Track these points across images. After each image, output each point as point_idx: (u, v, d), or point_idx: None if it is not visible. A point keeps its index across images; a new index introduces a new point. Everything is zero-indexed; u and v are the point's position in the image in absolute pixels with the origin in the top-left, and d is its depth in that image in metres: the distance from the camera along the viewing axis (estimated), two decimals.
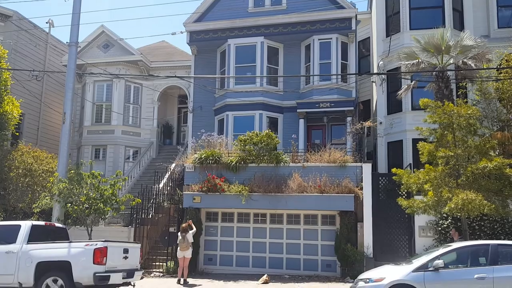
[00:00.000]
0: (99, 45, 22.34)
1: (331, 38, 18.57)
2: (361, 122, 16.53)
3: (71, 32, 13.28)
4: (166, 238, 14.81)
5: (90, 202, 13.05)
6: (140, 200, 14.86)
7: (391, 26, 18.18)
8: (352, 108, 18.06)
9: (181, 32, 16.28)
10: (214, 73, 20.05)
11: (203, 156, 15.32)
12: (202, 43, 20.08)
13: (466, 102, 12.16)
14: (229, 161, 15.06)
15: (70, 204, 13.02)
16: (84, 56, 21.15)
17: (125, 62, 21.85)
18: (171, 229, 15.09)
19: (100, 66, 21.09)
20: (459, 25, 17.66)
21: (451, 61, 13.96)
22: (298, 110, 18.64)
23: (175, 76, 15.60)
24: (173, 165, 18.38)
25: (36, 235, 10.17)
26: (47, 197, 14.01)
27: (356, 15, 18.62)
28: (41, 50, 22.54)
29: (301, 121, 18.63)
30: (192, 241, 13.04)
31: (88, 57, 21.57)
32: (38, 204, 13.96)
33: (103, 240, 9.86)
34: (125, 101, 22.02)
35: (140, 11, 60.22)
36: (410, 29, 17.57)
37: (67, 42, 13.67)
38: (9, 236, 10.04)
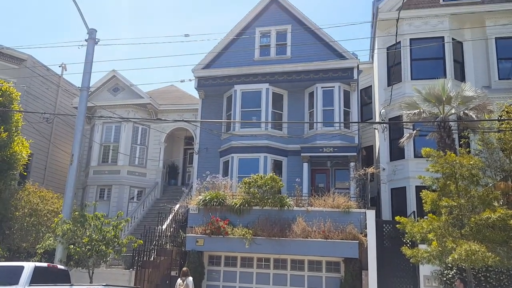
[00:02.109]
0: (109, 89, 23.00)
1: (333, 86, 19.14)
2: (364, 168, 16.69)
3: (83, 78, 13.78)
4: (167, 282, 14.63)
5: (93, 243, 13.06)
6: (142, 242, 14.81)
7: (392, 76, 18.72)
8: (355, 153, 18.30)
9: (190, 80, 17.00)
10: (220, 116, 20.51)
11: (207, 198, 15.39)
12: (210, 88, 20.67)
13: (469, 151, 12.33)
14: (233, 204, 15.10)
15: (73, 246, 13.03)
16: (94, 98, 21.72)
17: (134, 105, 22.41)
18: (173, 273, 14.93)
19: (110, 108, 21.65)
20: (460, 76, 18.14)
21: (453, 111, 14.25)
22: (302, 154, 18.89)
23: (183, 120, 16.03)
24: (177, 206, 18.41)
25: (38, 277, 10.19)
26: (50, 238, 14.03)
27: (358, 65, 19.29)
28: (52, 92, 23.19)
29: (305, 165, 18.83)
30: None
31: (98, 100, 22.14)
32: (42, 245, 13.97)
33: (104, 284, 9.84)
34: (132, 142, 22.40)
35: (151, 53, 61.99)
36: (411, 79, 18.05)
37: (78, 87, 14.17)
38: (12, 277, 10.07)
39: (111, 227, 13.43)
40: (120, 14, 72.07)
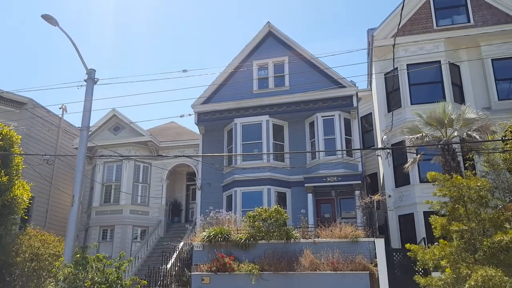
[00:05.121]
0: (110, 128, 23.06)
1: (334, 115, 19.18)
2: (369, 195, 16.45)
3: (83, 117, 13.72)
4: None
5: (96, 287, 12.65)
6: (146, 282, 14.38)
7: (392, 102, 18.74)
8: (360, 181, 18.08)
9: (189, 115, 17.09)
10: (221, 150, 20.44)
11: (211, 234, 15.07)
12: (210, 123, 20.72)
13: (475, 173, 12.09)
14: (238, 239, 14.78)
15: None
16: (95, 138, 21.75)
17: (135, 143, 22.40)
18: None
19: (111, 148, 21.61)
20: (460, 98, 18.16)
21: (455, 133, 14.15)
22: (305, 185, 18.68)
23: (184, 156, 15.93)
24: (181, 244, 18.05)
25: None
26: (51, 283, 13.61)
27: (357, 93, 19.36)
28: (53, 134, 23.23)
29: (310, 195, 18.58)
30: None
31: (99, 139, 22.16)
32: None
33: None
34: (134, 180, 22.23)
35: (149, 92, 62.79)
36: (411, 104, 18.07)
37: (79, 127, 14.10)
38: None
39: (113, 269, 13.06)
40: (118, 49, 73.56)
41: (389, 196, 17.75)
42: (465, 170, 13.22)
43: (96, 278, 12.76)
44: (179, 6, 73.02)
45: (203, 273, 14.37)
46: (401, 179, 17.78)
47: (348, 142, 19.14)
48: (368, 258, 13.59)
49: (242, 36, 70.91)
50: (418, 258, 10.59)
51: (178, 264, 17.11)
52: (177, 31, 76.35)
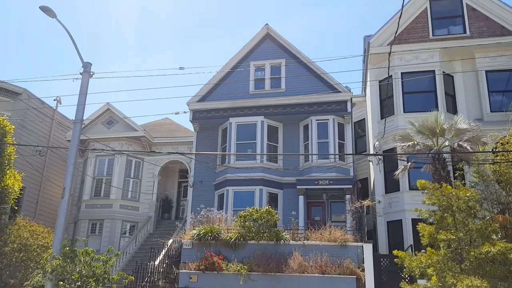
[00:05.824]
0: (103, 122, 22.99)
1: (328, 119, 19.31)
2: (360, 200, 16.59)
3: (77, 111, 13.66)
4: None
5: (83, 280, 12.66)
6: (133, 278, 14.39)
7: (385, 109, 18.91)
8: (351, 186, 18.23)
9: (184, 112, 17.06)
10: (215, 148, 20.49)
11: (201, 232, 15.11)
12: (205, 121, 20.73)
13: (464, 184, 12.25)
14: (228, 238, 14.83)
15: (62, 282, 12.62)
16: (88, 132, 21.67)
17: (128, 138, 22.34)
18: None
19: (103, 141, 21.56)
20: (452, 108, 18.36)
21: (447, 143, 14.30)
22: (297, 187, 18.78)
23: (177, 153, 15.95)
24: (170, 241, 18.04)
25: None
26: (39, 274, 13.60)
27: (351, 98, 19.52)
28: (47, 126, 23.14)
29: (301, 198, 18.69)
30: None
31: (92, 133, 22.08)
32: (30, 281, 13.51)
33: None
34: (125, 175, 22.17)
35: (145, 87, 62.59)
36: (404, 112, 18.24)
37: (72, 120, 14.05)
38: None
39: (101, 263, 13.07)
40: (120, 46, 73.20)
41: (379, 201, 17.93)
42: (454, 180, 13.37)
43: (84, 272, 12.77)
44: (183, 6, 72.87)
45: (191, 271, 14.41)
46: (391, 185, 17.95)
47: (341, 146, 19.29)
48: (356, 262, 13.73)
49: (241, 37, 70.89)
50: (405, 265, 10.71)
51: (166, 261, 17.09)
52: (178, 31, 76.19)
